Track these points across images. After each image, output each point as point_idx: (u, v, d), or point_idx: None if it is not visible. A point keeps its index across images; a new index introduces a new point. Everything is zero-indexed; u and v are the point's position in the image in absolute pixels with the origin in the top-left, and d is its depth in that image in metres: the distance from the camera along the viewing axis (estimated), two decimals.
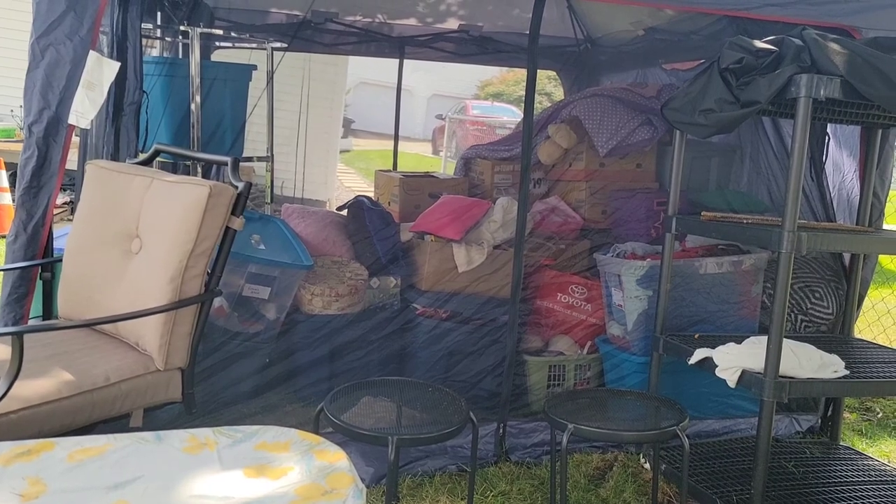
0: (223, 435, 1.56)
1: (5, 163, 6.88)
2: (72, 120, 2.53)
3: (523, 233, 3.02)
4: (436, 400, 2.34)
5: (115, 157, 2.86)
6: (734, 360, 2.59)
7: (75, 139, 2.74)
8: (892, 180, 3.37)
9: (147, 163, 2.64)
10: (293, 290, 3.25)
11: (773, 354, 2.44)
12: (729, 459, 2.97)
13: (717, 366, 2.62)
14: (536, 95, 3.02)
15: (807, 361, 2.56)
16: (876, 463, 3.09)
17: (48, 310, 2.69)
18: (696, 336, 2.98)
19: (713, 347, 2.70)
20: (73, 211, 2.93)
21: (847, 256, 3.35)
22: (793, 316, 3.31)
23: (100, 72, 2.56)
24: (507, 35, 4.76)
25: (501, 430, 3.02)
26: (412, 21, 4.71)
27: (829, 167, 3.40)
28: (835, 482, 2.86)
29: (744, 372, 2.54)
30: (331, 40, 4.78)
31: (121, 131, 2.86)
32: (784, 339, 2.47)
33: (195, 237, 2.21)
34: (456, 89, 18.08)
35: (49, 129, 2.53)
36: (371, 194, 4.54)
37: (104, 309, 2.32)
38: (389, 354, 3.34)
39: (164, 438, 1.54)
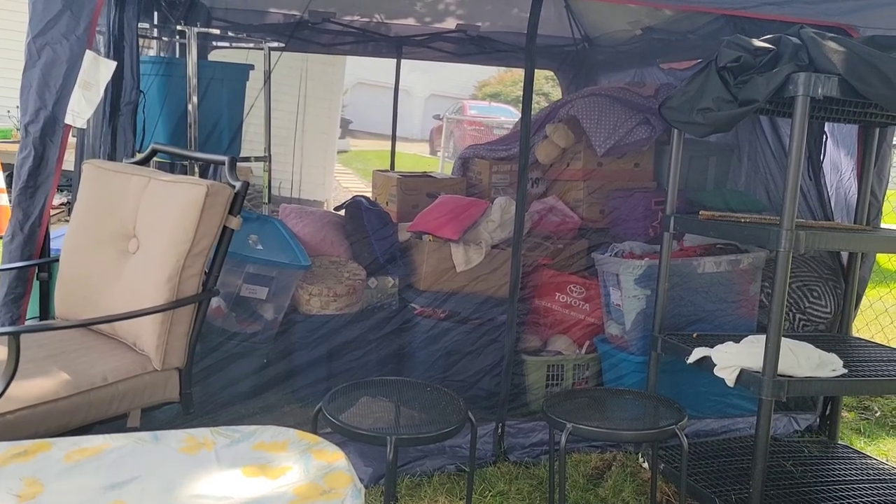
0: (221, 435, 1.56)
1: (2, 163, 6.87)
2: (68, 120, 2.53)
3: (521, 232, 3.02)
4: (434, 400, 2.34)
5: (111, 156, 2.85)
6: (732, 359, 2.59)
7: (72, 139, 2.73)
8: (890, 179, 3.38)
9: (144, 162, 2.63)
10: (291, 290, 3.24)
11: (772, 353, 2.44)
12: (727, 458, 2.97)
13: (715, 365, 2.61)
14: (534, 95, 3.02)
15: (805, 360, 2.56)
16: (874, 461, 3.09)
17: (45, 310, 2.68)
18: (695, 335, 2.98)
19: (711, 346, 2.70)
20: (69, 211, 2.92)
21: (845, 255, 3.35)
22: (791, 315, 3.31)
23: (96, 71, 2.55)
24: (504, 35, 4.76)
25: (500, 430, 3.02)
26: (410, 21, 4.71)
27: (826, 166, 3.40)
28: (833, 481, 2.86)
29: (742, 371, 2.54)
30: (328, 40, 4.77)
31: (117, 131, 2.85)
32: (782, 338, 2.47)
33: (192, 237, 2.20)
34: (453, 89, 18.07)
35: (45, 128, 2.52)
36: (369, 194, 4.53)
37: (101, 309, 2.32)
38: (388, 354, 3.33)
39: (161, 438, 1.53)
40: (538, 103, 11.64)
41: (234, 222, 2.31)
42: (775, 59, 2.47)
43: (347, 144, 14.63)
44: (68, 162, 2.74)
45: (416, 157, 14.51)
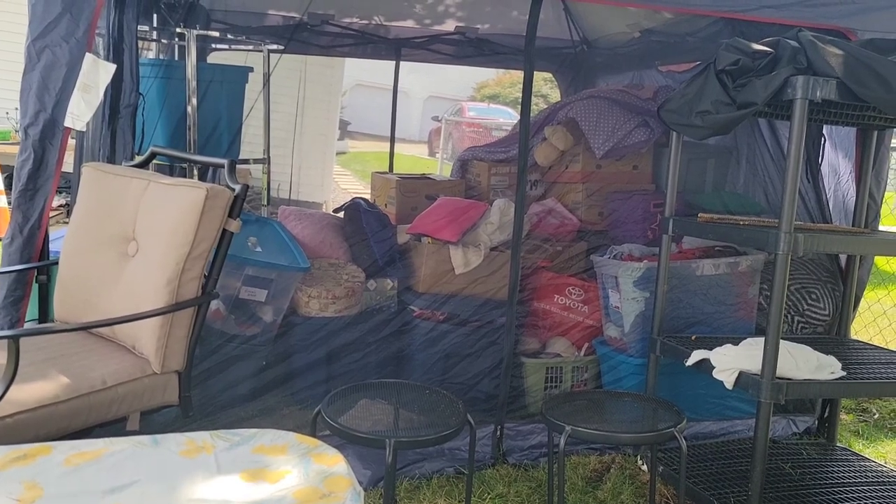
0: (220, 438, 1.56)
1: (1, 165, 6.86)
2: (68, 122, 2.53)
3: (520, 234, 3.02)
4: (433, 402, 2.34)
5: (111, 159, 2.85)
6: (731, 361, 2.59)
7: (71, 142, 2.73)
8: (888, 181, 3.38)
9: (143, 165, 2.63)
10: (290, 292, 3.24)
11: (771, 356, 2.45)
12: (726, 461, 2.97)
13: (714, 367, 2.62)
14: (533, 97, 3.02)
15: (804, 363, 2.57)
16: (873, 464, 3.09)
17: (44, 313, 2.68)
18: (694, 338, 2.98)
19: (710, 349, 2.70)
20: (69, 213, 2.92)
21: (843, 258, 3.36)
22: (789, 317, 3.31)
23: (96, 74, 2.55)
24: (503, 37, 4.76)
25: (499, 433, 3.02)
26: (409, 23, 4.71)
27: (824, 169, 3.41)
28: (832, 483, 2.86)
29: (741, 373, 2.55)
30: (327, 42, 4.77)
31: (117, 133, 2.85)
32: (781, 341, 2.47)
33: (192, 240, 2.20)
34: (452, 91, 18.07)
35: (45, 131, 2.52)
36: (368, 196, 4.53)
37: (100, 312, 2.31)
38: (386, 357, 3.33)
39: (160, 442, 1.53)
40: (537, 105, 11.64)
41: (234, 225, 2.31)
42: (774, 62, 2.48)
43: (346, 146, 14.63)
44: (67, 164, 2.74)
45: (414, 158, 14.50)
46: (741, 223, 2.82)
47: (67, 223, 2.51)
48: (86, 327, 2.26)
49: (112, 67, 2.61)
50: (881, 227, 3.37)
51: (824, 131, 3.33)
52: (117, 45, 2.84)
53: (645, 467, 2.99)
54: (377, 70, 6.80)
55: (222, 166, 2.43)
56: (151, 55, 3.85)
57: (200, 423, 2.78)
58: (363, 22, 4.67)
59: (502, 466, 2.97)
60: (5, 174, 6.73)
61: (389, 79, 5.37)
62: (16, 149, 2.62)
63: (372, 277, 3.49)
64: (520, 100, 3.03)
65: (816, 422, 3.39)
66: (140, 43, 3.20)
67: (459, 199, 3.91)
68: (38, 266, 2.59)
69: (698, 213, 3.01)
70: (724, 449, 3.09)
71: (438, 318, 3.36)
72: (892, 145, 3.35)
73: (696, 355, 2.72)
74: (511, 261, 3.03)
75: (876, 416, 3.79)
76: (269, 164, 3.87)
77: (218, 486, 1.38)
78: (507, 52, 4.80)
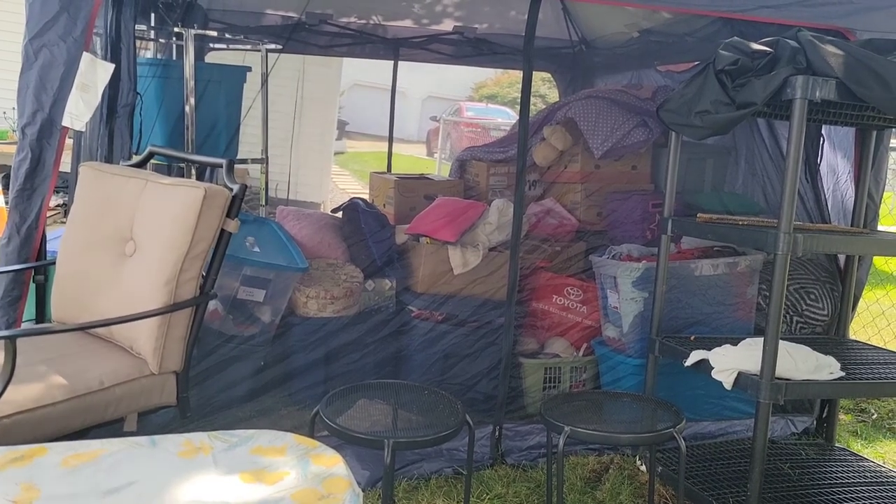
0: (218, 439, 1.55)
1: None
2: (66, 122, 2.52)
3: (519, 235, 3.02)
4: (432, 403, 2.34)
5: (108, 159, 2.85)
6: (730, 361, 2.59)
7: (69, 141, 2.73)
8: (887, 182, 3.38)
9: (141, 165, 2.62)
10: (288, 292, 3.24)
11: (770, 356, 2.45)
12: (725, 461, 2.97)
13: (713, 367, 2.61)
14: (531, 97, 3.02)
15: (802, 363, 2.57)
16: (871, 464, 3.09)
17: (41, 313, 2.67)
18: (692, 338, 2.98)
19: (709, 349, 2.70)
20: (66, 213, 2.92)
21: (842, 258, 3.36)
22: (788, 317, 3.31)
23: (93, 73, 2.54)
24: (502, 37, 4.76)
25: (497, 433, 3.01)
26: (407, 23, 4.71)
27: (823, 169, 3.41)
28: (830, 484, 2.86)
29: (740, 374, 2.54)
30: (325, 42, 4.77)
31: (115, 133, 2.85)
32: (780, 341, 2.47)
33: (190, 240, 2.20)
34: (451, 91, 18.08)
35: (42, 131, 2.51)
36: (366, 196, 4.53)
37: (98, 312, 2.31)
38: (385, 357, 3.33)
39: (158, 443, 1.53)
40: (535, 105, 11.64)
41: (232, 225, 2.30)
42: (773, 62, 2.48)
43: (344, 146, 14.63)
44: (65, 164, 2.73)
45: (412, 158, 14.50)
46: (740, 223, 2.82)
47: (65, 223, 2.50)
48: (83, 328, 2.25)
49: (110, 67, 2.61)
50: (880, 228, 3.37)
51: (823, 131, 3.33)
52: (115, 45, 2.84)
53: (644, 468, 2.99)
54: (375, 70, 6.78)
55: (220, 166, 2.42)
56: (149, 54, 3.84)
57: (198, 423, 2.77)
58: (361, 21, 4.66)
59: (501, 467, 2.96)
60: (2, 174, 6.72)
61: (388, 79, 5.36)
62: (13, 148, 2.62)
63: (370, 278, 3.48)
64: (518, 100, 3.03)
65: (815, 422, 3.39)
66: (138, 42, 3.19)
67: (458, 199, 3.91)
68: (36, 266, 2.59)
69: (697, 213, 3.01)
70: (722, 449, 3.09)
71: (437, 319, 3.35)
72: (890, 145, 3.34)
73: (695, 356, 2.71)
74: (510, 261, 3.03)
75: (874, 417, 3.79)
76: (267, 163, 3.86)
77: (216, 488, 1.37)
78: (506, 52, 4.79)
